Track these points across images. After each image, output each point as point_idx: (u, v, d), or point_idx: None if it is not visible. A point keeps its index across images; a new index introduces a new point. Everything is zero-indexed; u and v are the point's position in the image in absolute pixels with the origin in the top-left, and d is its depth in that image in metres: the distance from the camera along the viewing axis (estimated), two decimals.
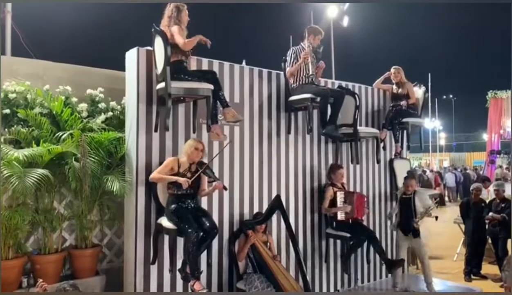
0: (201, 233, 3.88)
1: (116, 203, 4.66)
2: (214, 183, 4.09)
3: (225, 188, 4.12)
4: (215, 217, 4.44)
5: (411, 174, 5.90)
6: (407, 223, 5.44)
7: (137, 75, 4.18)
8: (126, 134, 4.43)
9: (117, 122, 4.82)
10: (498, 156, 17.13)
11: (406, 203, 5.52)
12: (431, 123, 36.90)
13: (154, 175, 3.97)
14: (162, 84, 3.98)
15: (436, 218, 5.55)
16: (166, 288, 4.26)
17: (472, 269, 6.77)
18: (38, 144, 4.20)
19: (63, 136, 4.37)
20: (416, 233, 5.40)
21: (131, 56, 4.31)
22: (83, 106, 4.74)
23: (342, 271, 5.56)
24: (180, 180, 3.85)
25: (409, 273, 6.53)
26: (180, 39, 3.93)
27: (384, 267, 6.11)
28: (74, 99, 4.73)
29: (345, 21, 18.57)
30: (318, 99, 4.85)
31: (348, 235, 5.14)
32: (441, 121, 43.75)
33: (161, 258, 4.21)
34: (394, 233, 5.87)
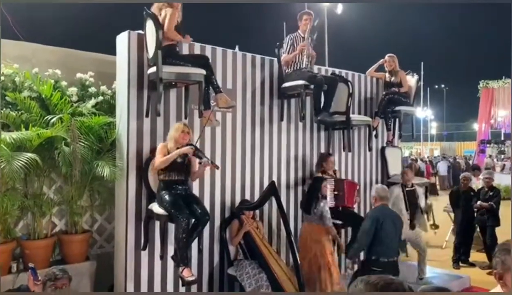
0: (193, 220, 3.88)
1: (106, 188, 4.62)
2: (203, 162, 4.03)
3: (216, 167, 4.06)
4: (207, 204, 4.44)
5: (410, 165, 5.89)
6: (411, 217, 5.41)
7: (128, 60, 4.12)
8: (116, 119, 4.37)
9: (108, 107, 4.75)
10: (488, 145, 17.29)
11: (409, 195, 5.49)
12: (423, 112, 37.11)
13: (157, 163, 3.84)
14: (153, 69, 3.93)
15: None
16: (157, 274, 4.26)
17: (460, 256, 6.86)
18: (27, 128, 4.13)
19: (53, 121, 4.31)
20: (413, 225, 5.41)
21: (122, 40, 4.23)
22: (73, 90, 4.66)
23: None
24: (184, 149, 3.80)
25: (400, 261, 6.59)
26: (167, 24, 3.85)
27: None
28: (64, 83, 4.65)
29: (339, 9, 18.52)
30: (312, 86, 4.82)
31: (340, 222, 5.13)
32: (432, 110, 44.10)
33: (152, 244, 4.20)
34: None
